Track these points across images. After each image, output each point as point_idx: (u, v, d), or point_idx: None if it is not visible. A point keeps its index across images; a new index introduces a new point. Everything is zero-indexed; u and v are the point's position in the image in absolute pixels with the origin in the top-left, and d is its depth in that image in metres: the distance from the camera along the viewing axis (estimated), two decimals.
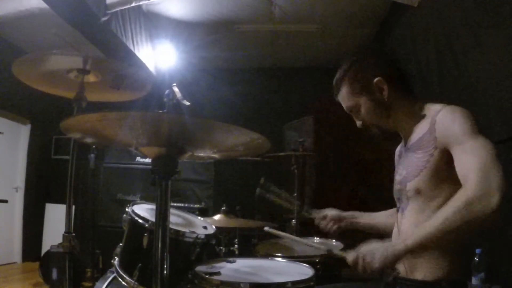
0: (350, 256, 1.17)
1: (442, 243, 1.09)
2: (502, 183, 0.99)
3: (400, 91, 1.30)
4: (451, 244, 1.14)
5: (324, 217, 1.66)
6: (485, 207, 0.98)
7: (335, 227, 1.63)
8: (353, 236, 1.65)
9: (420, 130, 1.24)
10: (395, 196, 1.35)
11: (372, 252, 1.11)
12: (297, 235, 2.74)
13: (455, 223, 1.01)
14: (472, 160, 1.05)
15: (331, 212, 1.64)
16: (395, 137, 1.39)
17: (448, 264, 1.15)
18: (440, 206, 1.13)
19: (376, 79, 1.28)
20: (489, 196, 0.98)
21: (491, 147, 1.06)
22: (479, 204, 0.98)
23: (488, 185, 0.99)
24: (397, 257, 1.09)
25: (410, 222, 1.23)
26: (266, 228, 1.57)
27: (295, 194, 3.05)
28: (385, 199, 1.56)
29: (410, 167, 1.25)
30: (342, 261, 1.22)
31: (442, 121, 1.17)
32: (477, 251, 1.93)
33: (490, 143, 1.07)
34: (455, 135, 1.12)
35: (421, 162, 1.20)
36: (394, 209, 1.48)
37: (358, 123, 1.37)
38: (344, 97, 1.35)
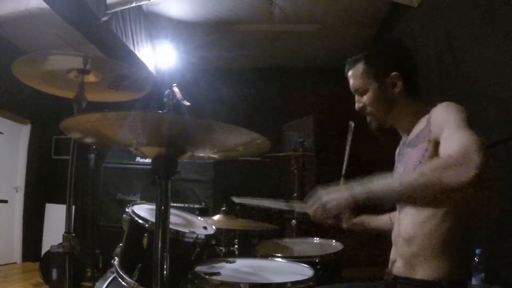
0: (308, 206, 1.13)
1: (405, 201, 1.06)
2: (482, 164, 0.91)
3: (410, 91, 1.30)
4: (448, 243, 1.14)
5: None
6: (460, 175, 0.91)
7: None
8: (352, 236, 1.66)
9: (418, 127, 1.25)
10: None
11: (331, 199, 1.07)
12: (297, 236, 2.75)
13: (425, 184, 0.95)
14: (455, 139, 1.01)
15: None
16: (391, 133, 1.39)
17: (449, 264, 1.15)
18: None
19: (393, 73, 1.28)
20: (467, 165, 0.91)
21: (481, 140, 0.99)
22: (455, 170, 0.92)
23: (468, 156, 0.92)
24: (355, 202, 1.04)
25: (410, 220, 1.23)
26: (234, 198, 1.50)
27: (295, 194, 3.05)
28: None
29: (407, 164, 1.25)
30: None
31: (436, 114, 1.17)
32: (477, 251, 1.93)
33: (482, 137, 1.01)
34: (446, 125, 1.10)
35: (417, 158, 1.19)
36: (389, 214, 1.48)
37: (357, 105, 1.36)
38: (356, 74, 1.33)
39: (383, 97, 1.29)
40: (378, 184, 1.03)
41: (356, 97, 1.36)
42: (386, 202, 1.06)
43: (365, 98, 1.32)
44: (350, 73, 1.35)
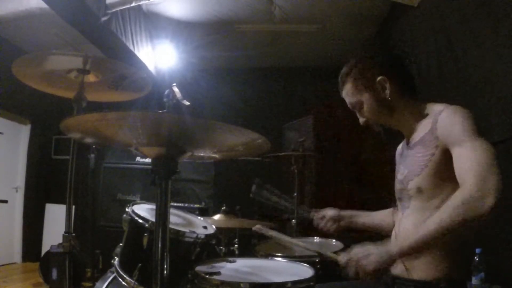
0: (342, 258, 1.18)
1: (438, 244, 1.10)
2: (498, 185, 1.00)
3: (403, 90, 1.31)
4: (447, 243, 1.15)
5: (323, 217, 1.65)
6: (480, 207, 0.99)
7: (334, 226, 1.63)
8: (352, 236, 1.65)
9: (422, 129, 1.25)
10: (397, 195, 1.35)
11: (367, 254, 1.11)
12: (296, 235, 2.74)
13: (450, 224, 1.02)
14: (470, 160, 1.06)
15: (329, 211, 1.64)
16: (397, 136, 1.40)
17: (448, 264, 1.15)
18: (441, 205, 1.13)
19: (379, 78, 1.30)
20: (485, 197, 0.99)
21: (490, 149, 1.07)
22: (474, 204, 1.00)
23: (485, 186, 1.00)
24: (392, 260, 1.10)
25: (411, 222, 1.23)
26: (255, 227, 1.55)
27: (295, 194, 3.05)
28: (384, 199, 1.56)
29: (411, 166, 1.25)
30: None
31: (444, 121, 1.18)
32: (477, 251, 1.93)
33: (490, 144, 1.08)
34: (455, 136, 1.13)
35: (422, 161, 1.20)
36: (391, 209, 1.48)
37: (361, 120, 1.39)
38: (348, 93, 1.37)
39: (378, 104, 1.32)
40: (411, 240, 1.08)
41: (357, 114, 1.39)
42: (430, 245, 1.12)
43: (364, 110, 1.35)
44: (343, 93, 1.40)
